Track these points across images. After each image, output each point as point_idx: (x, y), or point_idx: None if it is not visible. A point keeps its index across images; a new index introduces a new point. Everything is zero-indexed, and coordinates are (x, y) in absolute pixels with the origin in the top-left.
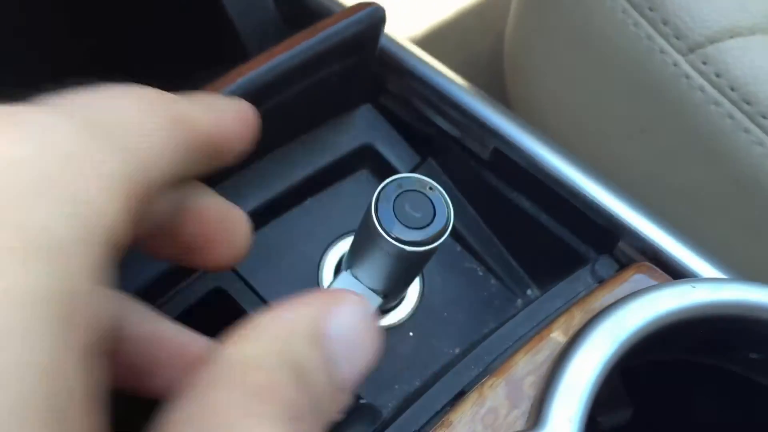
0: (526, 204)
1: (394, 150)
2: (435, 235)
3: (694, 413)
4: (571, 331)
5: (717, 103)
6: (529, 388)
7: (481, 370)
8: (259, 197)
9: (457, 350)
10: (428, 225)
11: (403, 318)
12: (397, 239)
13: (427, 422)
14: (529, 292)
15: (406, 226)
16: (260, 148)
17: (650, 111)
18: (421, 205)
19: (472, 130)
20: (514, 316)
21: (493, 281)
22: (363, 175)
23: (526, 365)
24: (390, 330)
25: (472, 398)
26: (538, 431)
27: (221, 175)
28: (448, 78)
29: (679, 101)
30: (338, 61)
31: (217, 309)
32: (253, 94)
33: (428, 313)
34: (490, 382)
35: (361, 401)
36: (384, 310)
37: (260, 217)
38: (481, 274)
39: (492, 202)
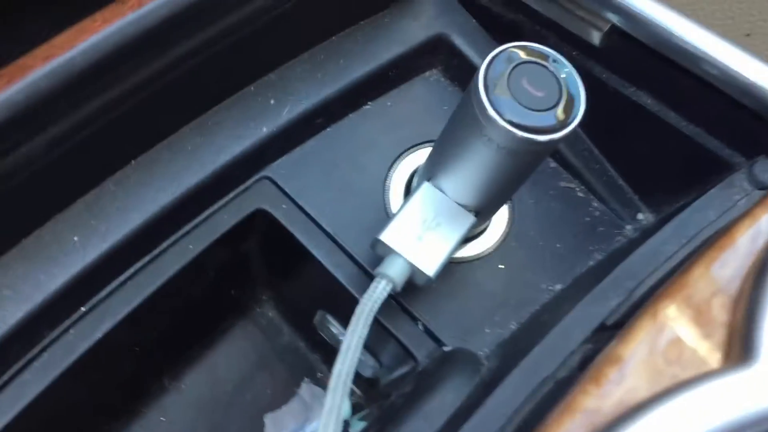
0: (647, 100)
1: (473, 42)
2: (563, 120)
3: None
4: (765, 239)
5: None
6: (720, 311)
7: (622, 298)
8: (310, 97)
9: (558, 286)
10: (553, 107)
11: (490, 248)
12: (512, 124)
13: (562, 364)
14: (640, 216)
15: (526, 108)
16: (303, 37)
17: (762, 9)
18: (542, 81)
19: (582, 6)
20: (644, 237)
21: (595, 204)
22: (434, 77)
23: (709, 283)
24: (475, 263)
25: (643, 327)
26: (748, 369)
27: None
28: None
29: None
30: None
31: (261, 234)
32: None
33: (520, 242)
34: (663, 306)
35: (445, 348)
36: (466, 239)
37: (310, 123)
38: (581, 195)
39: (599, 103)
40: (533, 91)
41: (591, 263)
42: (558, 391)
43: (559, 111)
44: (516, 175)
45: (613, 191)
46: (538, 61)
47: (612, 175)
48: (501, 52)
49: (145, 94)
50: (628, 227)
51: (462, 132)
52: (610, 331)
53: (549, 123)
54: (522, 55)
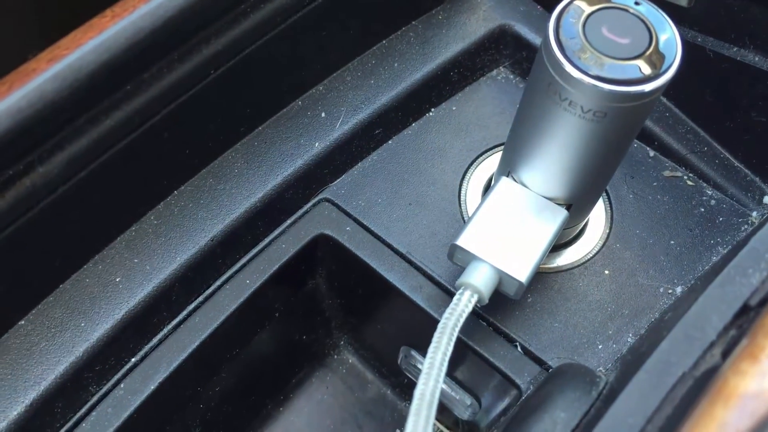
0: (755, 58)
1: (541, 30)
2: (659, 64)
3: None
4: None
5: None
6: None
7: (766, 273)
8: (364, 106)
9: (678, 288)
10: (645, 51)
11: (590, 253)
12: (600, 78)
13: (701, 358)
14: (767, 199)
15: (611, 58)
16: (351, 43)
17: None
18: (625, 26)
19: None
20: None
21: (709, 191)
22: (501, 75)
23: None
24: (575, 271)
25: None
26: None
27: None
28: None
29: None
30: None
31: (327, 265)
32: None
33: (625, 243)
34: None
35: (550, 370)
36: (560, 245)
37: (368, 136)
38: (690, 183)
39: (698, 73)
40: (616, 38)
41: (715, 258)
42: (702, 387)
43: (651, 55)
44: (609, 150)
45: (729, 175)
46: (614, 5)
47: (725, 156)
48: (567, 5)
49: (175, 107)
50: (754, 214)
51: (538, 105)
52: (757, 311)
53: (643, 72)
54: (590, 5)
